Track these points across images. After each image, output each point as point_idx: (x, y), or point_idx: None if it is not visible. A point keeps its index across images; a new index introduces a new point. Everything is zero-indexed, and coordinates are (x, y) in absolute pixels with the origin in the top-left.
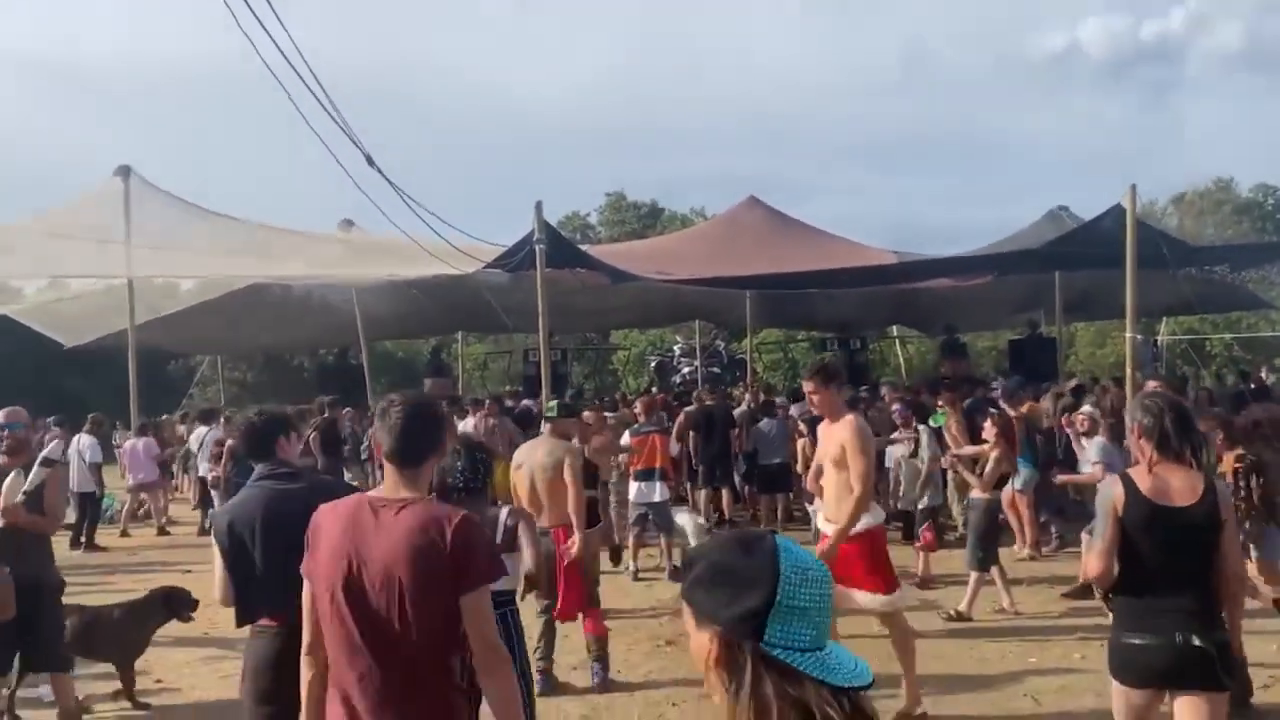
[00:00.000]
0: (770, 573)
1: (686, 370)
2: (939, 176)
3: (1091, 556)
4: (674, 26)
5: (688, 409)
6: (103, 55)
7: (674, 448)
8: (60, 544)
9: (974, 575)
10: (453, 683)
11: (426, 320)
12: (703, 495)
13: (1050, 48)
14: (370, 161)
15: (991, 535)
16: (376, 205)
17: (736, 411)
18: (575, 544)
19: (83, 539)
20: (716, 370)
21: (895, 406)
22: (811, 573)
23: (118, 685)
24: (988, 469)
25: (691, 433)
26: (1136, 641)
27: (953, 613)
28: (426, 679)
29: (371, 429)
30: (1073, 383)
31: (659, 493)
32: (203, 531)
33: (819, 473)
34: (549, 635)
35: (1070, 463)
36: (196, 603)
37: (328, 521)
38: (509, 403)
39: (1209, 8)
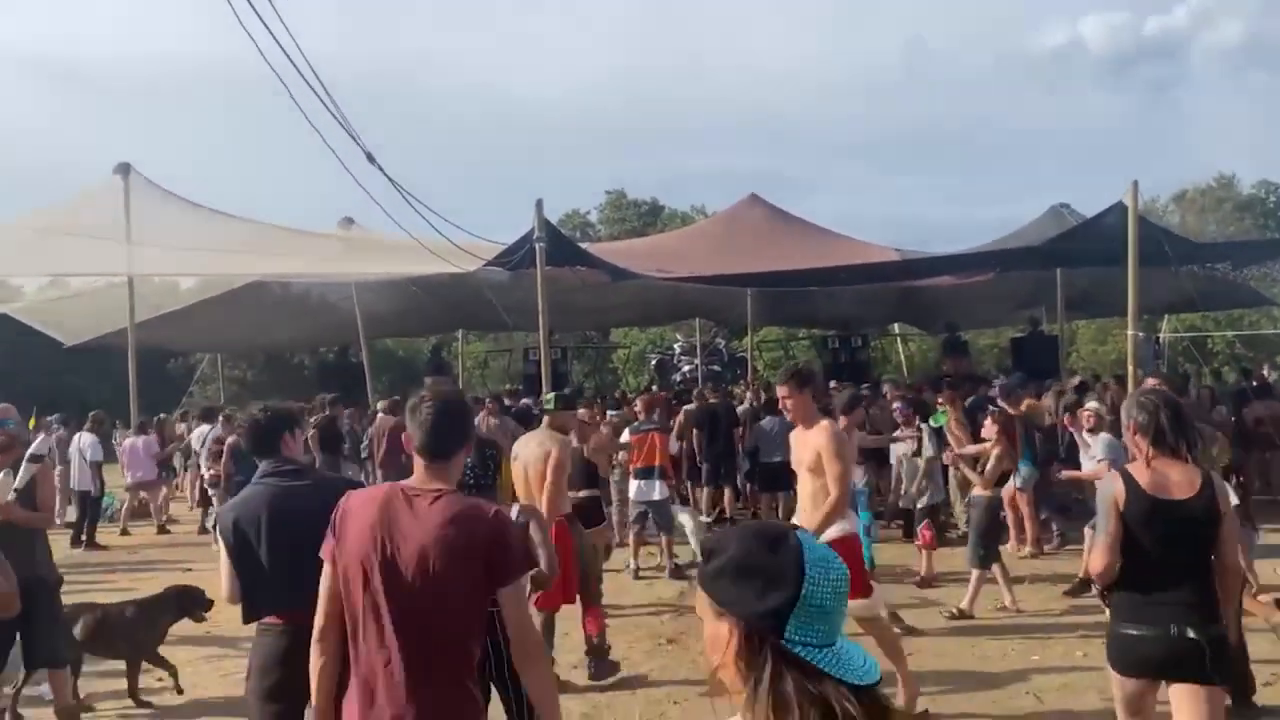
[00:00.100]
0: (797, 570)
1: (687, 368)
2: (940, 174)
3: (1095, 551)
4: (674, 24)
5: (687, 407)
6: (103, 53)
7: (673, 446)
8: (61, 542)
9: (975, 573)
10: (472, 672)
11: (427, 318)
12: (705, 493)
13: (1051, 44)
14: (371, 159)
15: (993, 533)
16: (378, 203)
17: (740, 409)
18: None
19: (83, 537)
20: (717, 368)
21: (896, 404)
22: (832, 571)
23: (120, 684)
24: (989, 466)
25: (695, 431)
26: (1133, 632)
27: (955, 610)
28: (449, 665)
29: (371, 427)
30: (1075, 380)
31: (658, 491)
32: (203, 530)
33: None
34: (548, 633)
35: (1072, 460)
36: (211, 603)
37: (359, 506)
38: (507, 401)
39: (1211, 4)
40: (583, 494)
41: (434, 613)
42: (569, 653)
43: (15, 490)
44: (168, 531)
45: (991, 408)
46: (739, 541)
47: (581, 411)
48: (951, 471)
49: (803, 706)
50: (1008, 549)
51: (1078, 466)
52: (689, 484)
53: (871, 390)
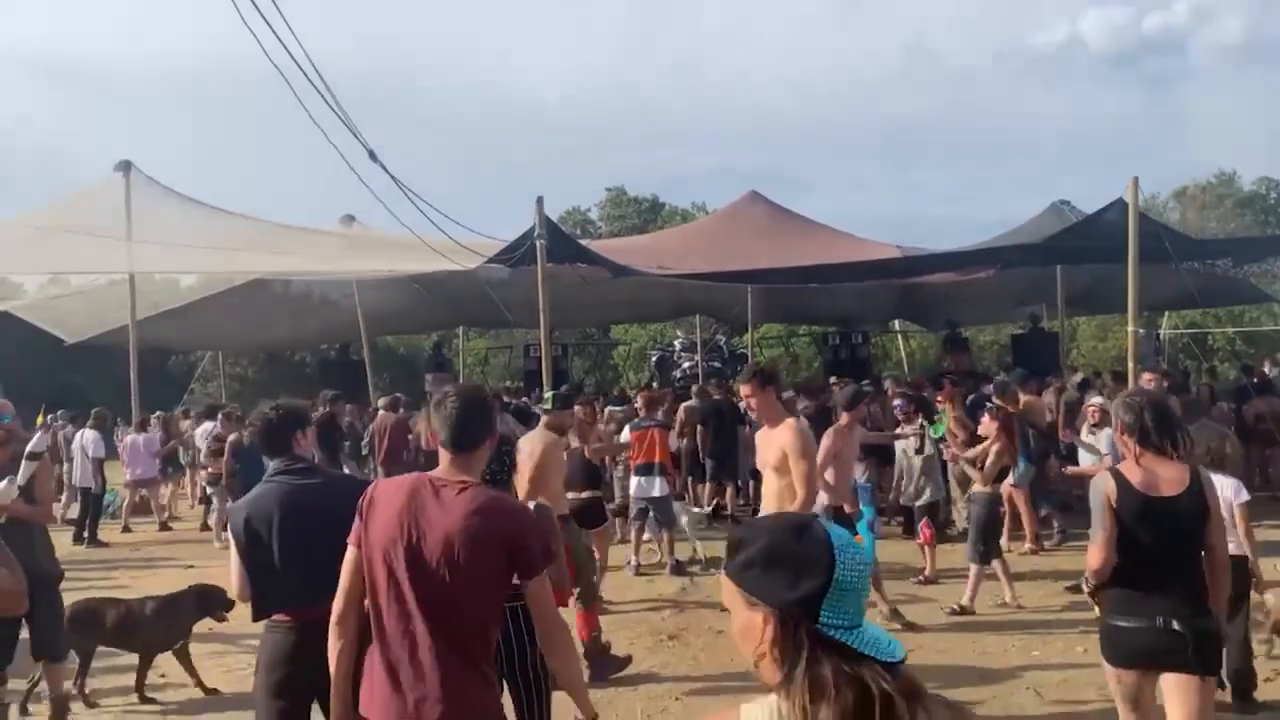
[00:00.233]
0: (828, 556)
1: (687, 365)
2: (940, 171)
3: (1092, 548)
4: (674, 22)
5: (687, 404)
6: (104, 51)
7: (673, 442)
8: (63, 539)
9: (974, 568)
10: (491, 659)
11: (428, 315)
12: (707, 489)
13: (1051, 40)
14: (373, 157)
15: (992, 529)
16: (380, 200)
17: (742, 405)
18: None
19: (85, 534)
20: (717, 365)
21: (897, 402)
22: (857, 554)
23: (123, 680)
24: (988, 463)
25: (700, 427)
26: (1123, 624)
27: (956, 606)
28: (470, 651)
29: (372, 424)
30: (1078, 376)
31: (658, 488)
32: (204, 527)
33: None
34: None
35: (1072, 457)
36: (232, 603)
37: (387, 494)
38: (506, 399)
39: (1211, 0)
40: (584, 495)
41: (456, 599)
42: None
43: (18, 487)
44: (169, 528)
45: (989, 404)
46: (766, 532)
47: (577, 409)
48: (951, 468)
49: (839, 687)
50: (1004, 545)
51: (1076, 463)
52: (690, 480)
53: (873, 387)
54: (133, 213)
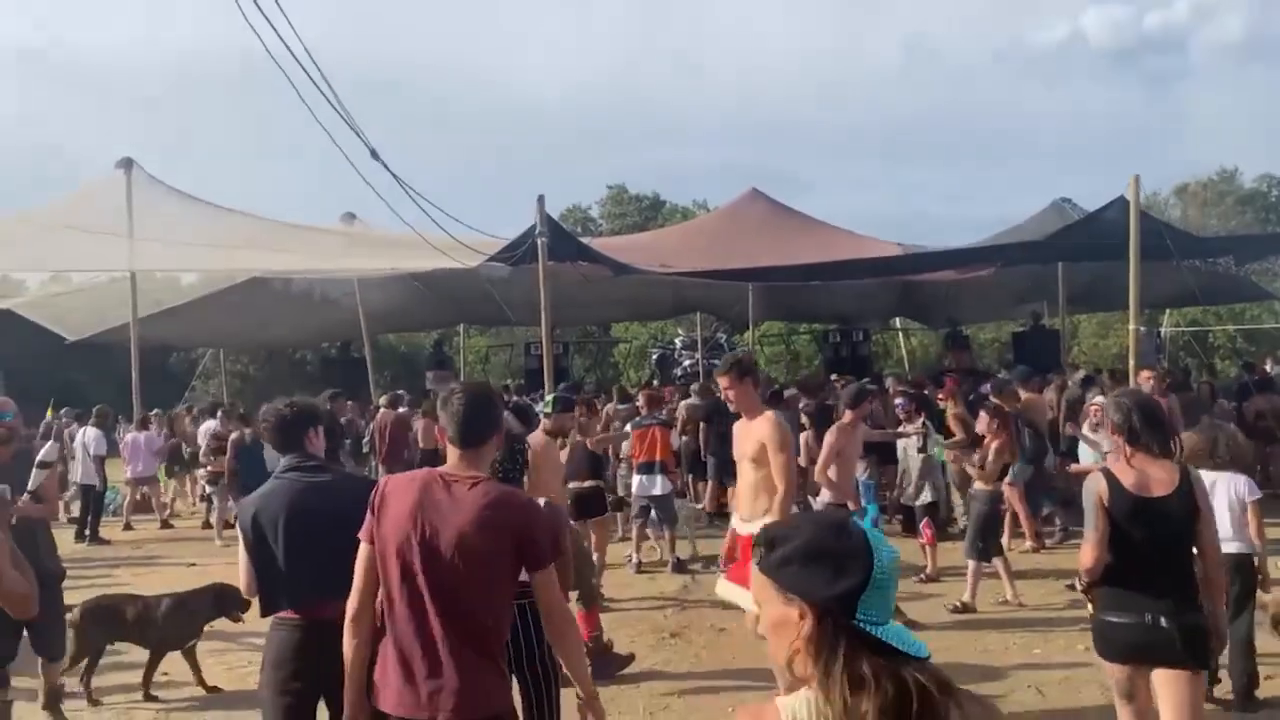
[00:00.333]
0: (867, 552)
1: (688, 363)
2: (941, 168)
3: (1085, 547)
4: (674, 19)
5: (686, 402)
6: (105, 48)
7: (674, 441)
8: (64, 536)
9: (972, 565)
10: (502, 651)
11: (429, 313)
12: (709, 487)
13: (1052, 38)
14: (375, 155)
15: (992, 526)
16: (382, 198)
17: None
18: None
19: (87, 531)
20: (718, 363)
21: (898, 401)
22: (890, 552)
23: (126, 677)
24: (989, 460)
25: (703, 424)
26: (1114, 619)
27: (958, 604)
28: (483, 643)
29: (373, 422)
30: (1080, 374)
31: (660, 486)
32: (206, 525)
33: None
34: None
35: (1073, 455)
36: (248, 604)
37: (399, 489)
38: (505, 397)
39: None
40: (587, 484)
41: (469, 591)
42: None
43: (29, 492)
44: (170, 526)
45: (986, 402)
46: (804, 529)
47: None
48: (950, 466)
49: (880, 681)
50: (1006, 544)
51: (1078, 460)
52: (691, 478)
53: (874, 385)
54: (134, 210)
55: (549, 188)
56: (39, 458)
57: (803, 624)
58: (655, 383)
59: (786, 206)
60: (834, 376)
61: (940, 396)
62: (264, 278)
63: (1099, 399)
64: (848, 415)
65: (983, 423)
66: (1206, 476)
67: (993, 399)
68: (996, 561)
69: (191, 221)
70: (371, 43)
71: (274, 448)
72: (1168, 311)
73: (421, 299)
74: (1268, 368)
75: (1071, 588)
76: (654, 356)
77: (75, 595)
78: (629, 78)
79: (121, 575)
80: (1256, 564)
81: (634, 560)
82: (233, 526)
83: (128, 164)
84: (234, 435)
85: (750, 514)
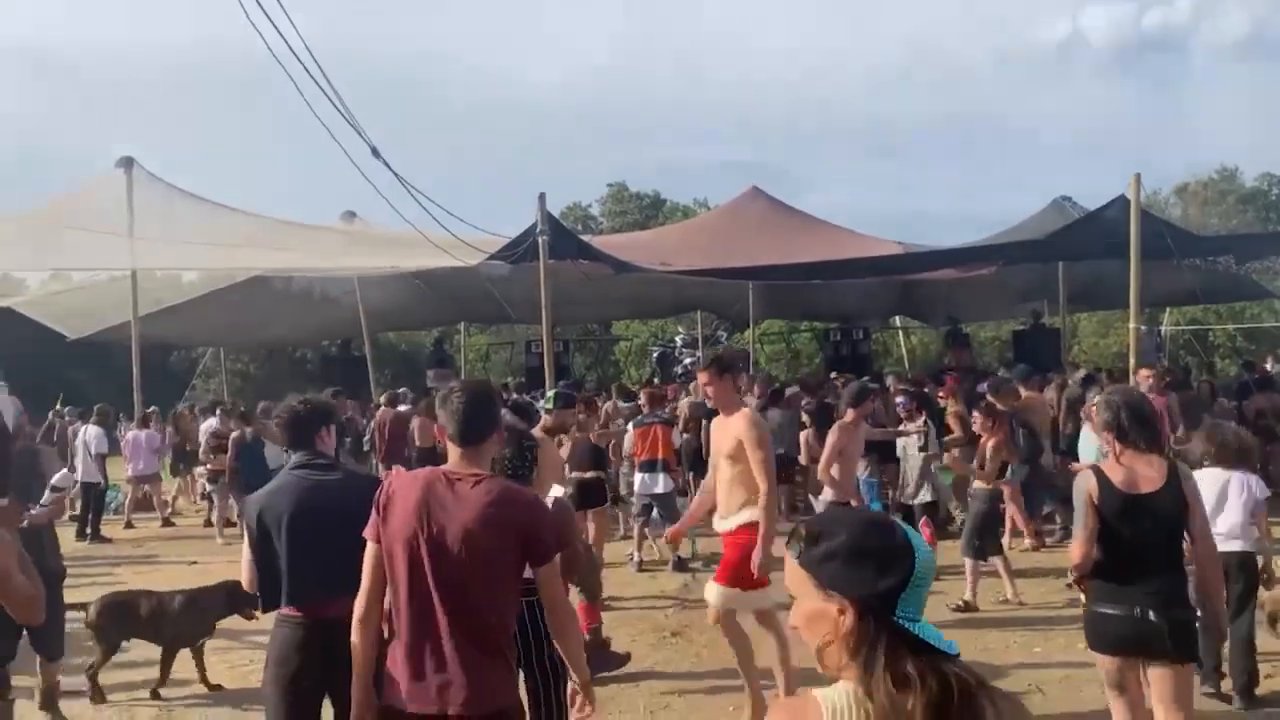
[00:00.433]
0: (909, 551)
1: (688, 361)
2: (942, 167)
3: (1073, 544)
4: (676, 17)
5: (690, 400)
6: (105, 45)
7: (676, 439)
8: (66, 534)
9: (969, 563)
10: (510, 646)
11: (429, 312)
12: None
13: (1053, 37)
14: (376, 153)
15: (990, 525)
16: (384, 196)
17: (752, 403)
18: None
19: (88, 530)
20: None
21: (899, 399)
22: (928, 550)
23: (127, 675)
24: (987, 458)
25: (704, 422)
26: (1105, 611)
27: (960, 603)
28: (491, 639)
29: (373, 420)
30: (1080, 373)
31: (662, 484)
32: (207, 523)
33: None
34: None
35: (1073, 453)
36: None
37: (403, 489)
38: (505, 395)
39: None
40: (589, 475)
41: (476, 588)
42: None
43: (42, 505)
44: (172, 524)
45: (981, 401)
46: (849, 526)
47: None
48: (948, 474)
49: (924, 679)
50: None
51: (1078, 458)
52: (692, 476)
53: (874, 383)
54: (135, 209)
55: (550, 186)
56: (53, 482)
57: (841, 619)
58: (656, 381)
59: (787, 205)
60: (834, 375)
61: (941, 395)
62: (265, 276)
63: (1099, 399)
64: (850, 414)
65: (976, 422)
66: (1221, 474)
67: (989, 397)
68: (997, 560)
69: (192, 220)
70: (372, 41)
71: (286, 444)
72: (1168, 310)
73: (422, 297)
74: (1268, 366)
75: (1071, 586)
76: (654, 355)
77: (76, 594)
78: (630, 76)
79: (122, 573)
80: (1261, 563)
81: (635, 559)
82: (233, 525)
83: (128, 162)
84: (235, 434)
85: (726, 511)
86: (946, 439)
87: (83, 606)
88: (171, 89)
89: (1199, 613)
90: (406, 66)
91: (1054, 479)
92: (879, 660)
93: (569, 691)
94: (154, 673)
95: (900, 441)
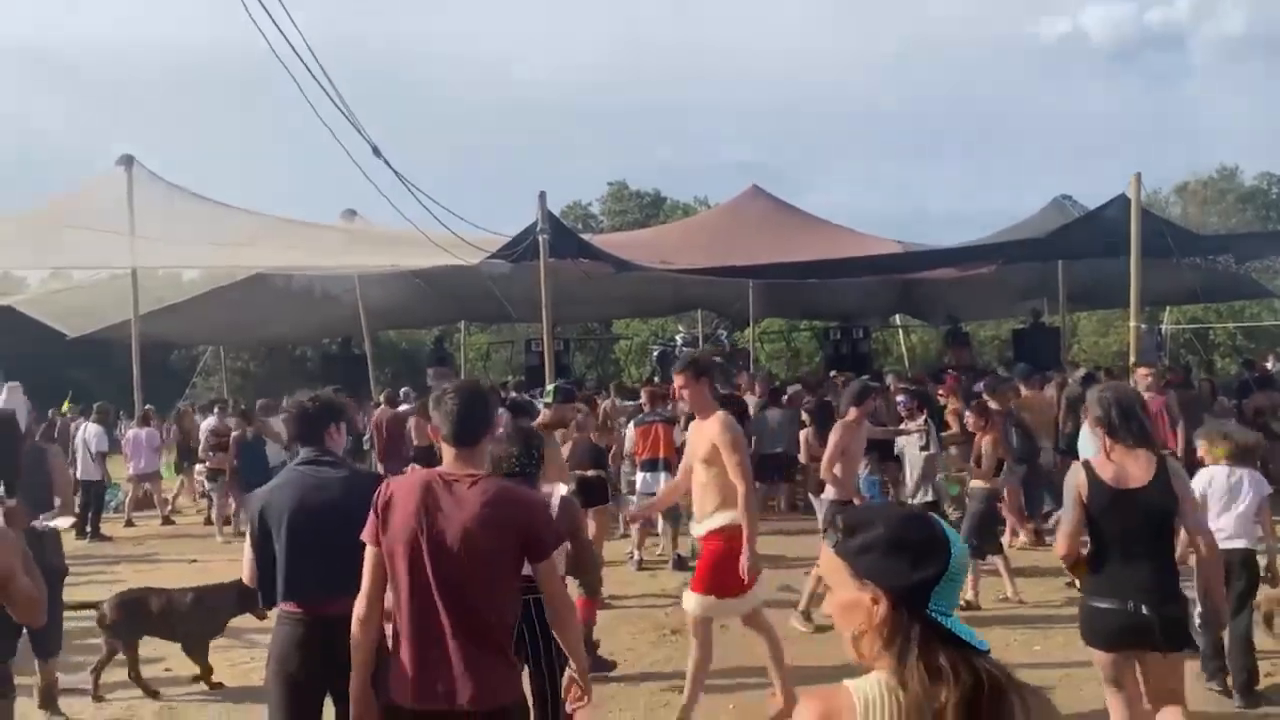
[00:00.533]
0: (945, 545)
1: None
2: (942, 167)
3: (1058, 538)
4: (676, 15)
5: None
6: (105, 44)
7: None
8: (66, 533)
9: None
10: (511, 644)
11: (429, 310)
12: None
13: (1053, 35)
14: (377, 152)
15: (988, 524)
16: (384, 195)
17: (752, 401)
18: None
19: (88, 528)
20: (718, 360)
21: (899, 398)
22: (961, 545)
23: (126, 674)
24: (984, 457)
25: None
26: (1098, 605)
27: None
28: (493, 637)
29: (373, 419)
30: (1080, 372)
31: (663, 483)
32: (208, 522)
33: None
34: None
35: (1072, 451)
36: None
37: (402, 492)
38: (502, 394)
39: None
40: (590, 473)
41: (477, 587)
42: None
43: (46, 525)
44: (172, 523)
45: (974, 399)
46: (887, 519)
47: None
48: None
49: (958, 672)
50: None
51: (1077, 457)
52: None
53: (875, 382)
54: (135, 207)
55: (550, 184)
56: (53, 525)
57: (875, 609)
58: (657, 379)
59: (787, 204)
60: (834, 373)
61: (941, 393)
62: (265, 274)
63: (1091, 394)
64: (852, 412)
65: (968, 420)
66: (1234, 472)
67: (985, 396)
68: (996, 559)
69: (192, 218)
70: (372, 40)
71: (294, 439)
72: (1168, 309)
73: (422, 296)
74: (1268, 365)
75: (1071, 584)
76: (655, 353)
77: (76, 592)
78: (630, 74)
79: (122, 572)
80: (1264, 562)
81: (635, 557)
82: (232, 523)
83: (128, 161)
84: (235, 432)
85: (700, 514)
86: (944, 435)
87: (95, 605)
88: (171, 88)
89: (1199, 608)
90: (407, 65)
91: (1054, 477)
92: (912, 651)
93: (565, 680)
94: (156, 670)
95: (899, 441)
